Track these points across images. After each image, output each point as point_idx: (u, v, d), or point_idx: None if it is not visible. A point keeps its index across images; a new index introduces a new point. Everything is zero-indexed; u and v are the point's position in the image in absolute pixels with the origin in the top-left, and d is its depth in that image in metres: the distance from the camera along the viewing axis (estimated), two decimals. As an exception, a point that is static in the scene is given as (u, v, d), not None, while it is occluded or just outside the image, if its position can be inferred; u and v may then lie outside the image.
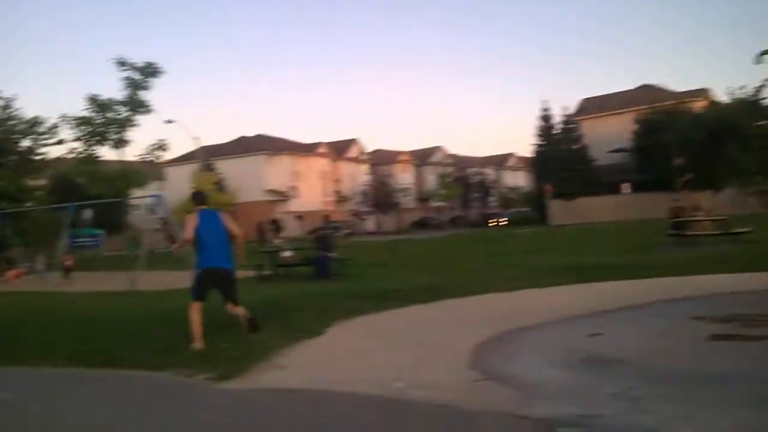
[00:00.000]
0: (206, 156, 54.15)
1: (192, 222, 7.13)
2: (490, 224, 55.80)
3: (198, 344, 6.78)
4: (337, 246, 17.21)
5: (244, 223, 50.15)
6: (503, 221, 56.67)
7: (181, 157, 59.36)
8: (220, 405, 5.11)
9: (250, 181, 57.89)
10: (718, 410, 4.37)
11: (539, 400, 4.81)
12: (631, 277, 11.42)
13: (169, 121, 44.93)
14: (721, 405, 4.50)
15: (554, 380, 5.47)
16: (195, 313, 6.90)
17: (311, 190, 65.54)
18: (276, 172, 62.77)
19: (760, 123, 31.27)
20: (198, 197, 7.63)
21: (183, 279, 16.56)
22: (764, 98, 31.78)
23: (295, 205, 62.82)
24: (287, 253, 17.32)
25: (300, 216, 59.38)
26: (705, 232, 18.21)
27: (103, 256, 26.61)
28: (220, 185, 50.43)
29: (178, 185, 50.75)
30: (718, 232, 17.76)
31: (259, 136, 66.53)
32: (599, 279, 11.33)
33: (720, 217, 18.63)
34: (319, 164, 68.18)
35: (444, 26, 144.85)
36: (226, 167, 57.62)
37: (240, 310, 7.24)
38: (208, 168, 52.90)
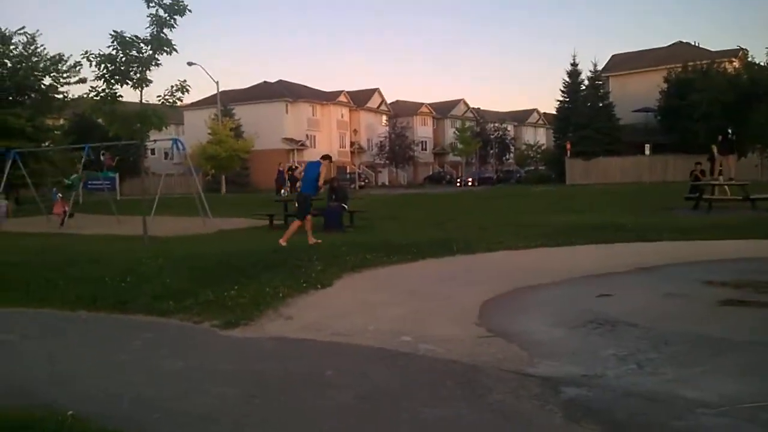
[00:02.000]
0: (226, 101, 53.99)
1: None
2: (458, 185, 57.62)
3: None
4: (350, 198, 17.20)
5: (260, 170, 50.38)
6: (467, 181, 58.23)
7: (201, 101, 59.20)
8: (223, 352, 5.18)
9: (268, 128, 57.69)
10: (721, 375, 4.36)
11: (545, 358, 4.83)
12: (644, 239, 11.33)
13: (191, 63, 44.75)
14: (725, 370, 4.47)
15: (561, 340, 5.47)
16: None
17: (328, 140, 65.28)
18: (294, 120, 62.53)
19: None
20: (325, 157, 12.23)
21: (196, 224, 16.79)
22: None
23: (311, 155, 62.74)
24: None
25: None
26: (724, 196, 17.97)
27: (116, 199, 26.80)
28: (237, 131, 50.31)
29: (196, 130, 50.79)
30: (737, 198, 17.50)
31: (280, 82, 66.00)
32: (612, 240, 11.26)
33: (740, 182, 18.33)
34: (338, 113, 67.75)
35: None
36: (244, 113, 57.39)
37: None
38: (227, 113, 52.73)
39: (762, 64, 34.02)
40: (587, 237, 11.63)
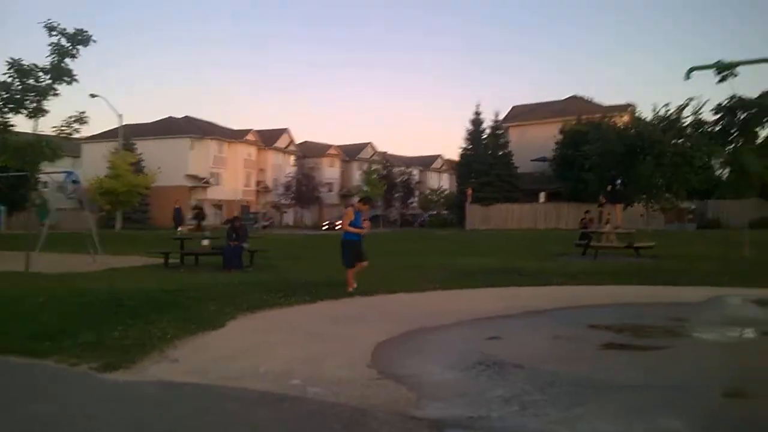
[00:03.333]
0: (129, 135, 52.30)
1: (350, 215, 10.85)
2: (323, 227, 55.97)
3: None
4: (251, 237, 16.93)
5: (161, 207, 48.78)
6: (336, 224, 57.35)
7: (102, 134, 57.05)
8: (99, 396, 4.88)
9: (171, 164, 56.25)
10: (603, 417, 4.51)
11: (433, 400, 4.85)
12: (535, 283, 11.75)
13: (94, 95, 43.09)
14: (606, 412, 4.64)
15: (449, 382, 5.53)
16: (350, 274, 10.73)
17: (234, 179, 64.40)
18: (200, 157, 61.36)
19: (676, 141, 32.74)
20: (366, 200, 11.56)
21: (85, 262, 15.97)
22: (685, 117, 33.24)
23: (215, 193, 61.55)
24: (206, 242, 16.90)
25: (219, 204, 58.31)
26: (611, 244, 18.96)
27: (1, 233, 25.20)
28: (138, 166, 48.68)
29: (95, 164, 48.77)
30: (623, 245, 18.52)
31: (186, 118, 64.77)
32: (505, 284, 11.61)
33: (626, 231, 19.43)
34: (246, 152, 67.04)
35: (383, 23, 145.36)
36: (148, 148, 55.80)
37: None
38: (129, 147, 51.01)
39: (648, 119, 36.51)
40: (482, 280, 11.94)
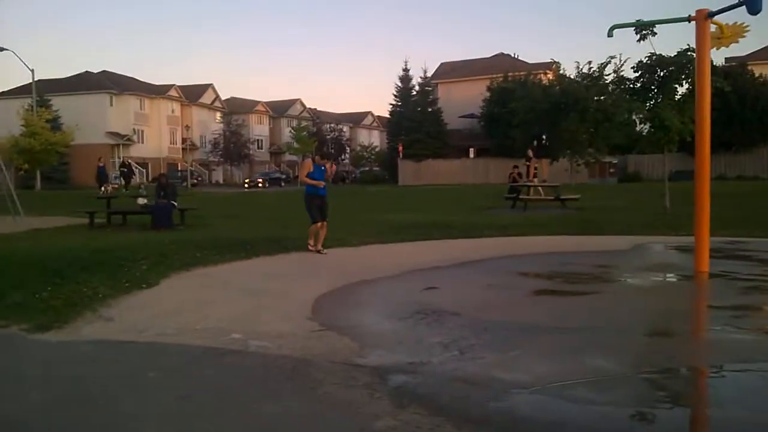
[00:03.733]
0: (42, 90, 49.60)
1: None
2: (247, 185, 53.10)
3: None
4: (180, 195, 16.52)
5: (81, 166, 46.89)
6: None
7: (13, 90, 53.84)
8: (32, 356, 4.73)
9: (90, 121, 53.71)
10: (536, 358, 4.71)
11: (374, 349, 4.94)
12: (467, 236, 11.99)
13: (2, 49, 40.45)
14: (540, 353, 4.85)
15: (390, 330, 5.64)
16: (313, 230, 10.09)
17: (158, 136, 62.27)
18: (120, 114, 58.93)
19: (598, 98, 33.66)
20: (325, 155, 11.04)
21: (6, 223, 15.25)
22: (607, 75, 34.14)
23: (138, 151, 59.47)
24: (142, 200, 16.30)
25: (144, 162, 56.48)
26: (538, 197, 19.52)
27: None
28: (54, 123, 46.35)
29: (8, 121, 46.18)
30: (549, 198, 19.10)
31: (104, 72, 61.81)
32: (439, 237, 11.80)
33: (552, 184, 20.02)
34: (169, 108, 64.76)
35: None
36: (64, 104, 52.99)
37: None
38: (43, 104, 48.40)
39: (571, 76, 37.34)
40: (416, 234, 12.08)
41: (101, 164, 32.03)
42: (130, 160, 42.47)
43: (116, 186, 34.82)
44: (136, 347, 5.01)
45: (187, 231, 13.28)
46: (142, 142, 60.81)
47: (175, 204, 14.71)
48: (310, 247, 10.09)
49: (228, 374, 4.38)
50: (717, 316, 6.27)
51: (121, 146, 57.96)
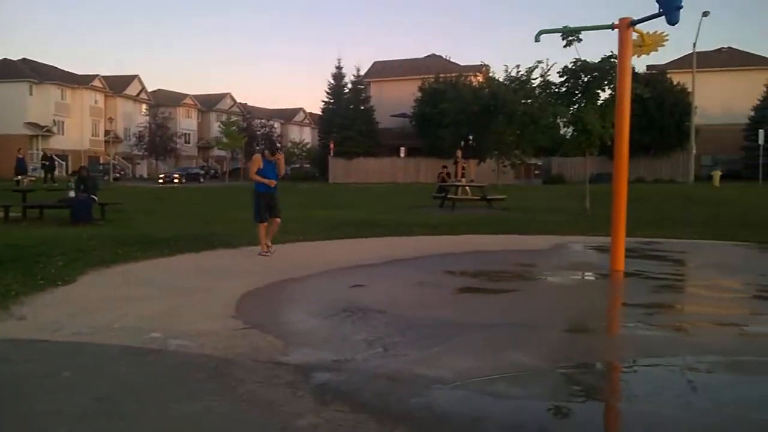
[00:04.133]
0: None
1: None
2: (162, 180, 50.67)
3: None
4: (102, 189, 15.95)
5: (-3, 158, 44.42)
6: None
7: None
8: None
9: (8, 110, 51.38)
10: (456, 354, 4.79)
11: (298, 347, 4.91)
12: (396, 234, 12.11)
13: None
14: (462, 350, 4.93)
15: (314, 328, 5.62)
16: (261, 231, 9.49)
17: (79, 127, 59.96)
18: (40, 104, 56.44)
19: (525, 101, 34.57)
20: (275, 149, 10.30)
21: None
22: (534, 79, 35.14)
23: (58, 142, 57.07)
24: (72, 194, 15.55)
25: (64, 155, 54.24)
26: (465, 196, 19.86)
27: None
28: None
29: None
30: (477, 198, 19.47)
31: (24, 60, 58.96)
32: (367, 235, 11.86)
33: (480, 185, 20.41)
34: (92, 99, 62.41)
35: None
36: (-23, 92, 50.43)
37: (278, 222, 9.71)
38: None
39: (501, 79, 38.20)
40: (345, 232, 12.11)
41: (20, 156, 30.64)
42: (51, 153, 40.66)
43: (33, 178, 33.29)
44: (51, 346, 4.81)
45: (107, 226, 12.85)
46: (63, 134, 58.48)
47: (96, 198, 14.22)
48: (263, 252, 9.39)
49: (147, 374, 4.26)
50: (630, 313, 6.54)
51: (40, 137, 55.55)
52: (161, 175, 53.46)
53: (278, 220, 9.71)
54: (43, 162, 34.91)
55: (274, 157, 9.73)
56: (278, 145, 11.10)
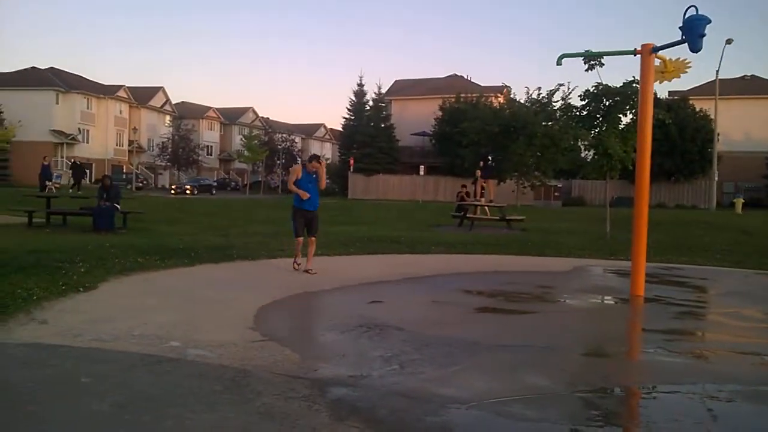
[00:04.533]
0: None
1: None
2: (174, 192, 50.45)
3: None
4: (124, 198, 16.15)
5: (24, 164, 45.66)
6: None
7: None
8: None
9: (34, 118, 52.32)
10: (475, 374, 4.77)
11: (315, 361, 4.92)
12: (414, 251, 12.10)
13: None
14: (479, 370, 4.90)
15: (332, 343, 5.63)
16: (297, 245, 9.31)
17: (104, 136, 60.85)
18: (66, 112, 57.42)
19: (546, 123, 34.55)
20: (314, 157, 9.81)
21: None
22: (555, 101, 35.12)
23: (83, 151, 57.89)
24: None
25: (88, 163, 54.95)
26: (484, 216, 19.81)
27: None
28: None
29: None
30: (495, 218, 19.41)
31: (51, 69, 60.09)
32: (386, 251, 11.86)
33: (499, 205, 20.35)
34: (117, 109, 63.37)
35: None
36: (7, 99, 51.44)
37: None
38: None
39: (521, 101, 38.24)
40: (364, 248, 12.13)
41: (46, 162, 31.16)
42: (80, 161, 41.19)
43: (58, 185, 33.80)
44: (71, 352, 4.86)
45: (129, 234, 13.00)
46: (87, 142, 59.35)
47: (118, 206, 14.40)
48: (294, 266, 9.35)
49: (165, 383, 4.29)
50: (650, 339, 6.47)
51: (65, 145, 56.42)
52: (173, 186, 53.75)
53: (314, 239, 9.33)
54: (73, 170, 35.41)
55: (312, 164, 9.31)
56: (317, 154, 11.02)
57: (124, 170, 58.37)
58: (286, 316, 6.65)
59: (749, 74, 56.17)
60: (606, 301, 8.90)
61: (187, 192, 49.89)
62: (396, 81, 60.82)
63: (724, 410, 4.27)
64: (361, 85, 54.39)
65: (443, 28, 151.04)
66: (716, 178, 40.35)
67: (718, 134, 41.11)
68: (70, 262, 8.12)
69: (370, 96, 54.35)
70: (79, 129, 58.57)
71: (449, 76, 59.63)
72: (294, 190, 9.13)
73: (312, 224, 9.27)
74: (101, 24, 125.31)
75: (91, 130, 60.05)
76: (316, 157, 9.72)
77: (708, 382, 4.86)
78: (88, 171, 52.84)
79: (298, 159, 74.50)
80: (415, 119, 52.76)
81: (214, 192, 53.37)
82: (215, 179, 65.93)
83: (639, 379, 5.13)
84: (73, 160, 40.21)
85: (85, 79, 62.74)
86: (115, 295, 6.93)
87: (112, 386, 4.15)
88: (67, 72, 61.30)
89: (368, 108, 53.93)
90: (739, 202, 36.66)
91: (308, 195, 9.08)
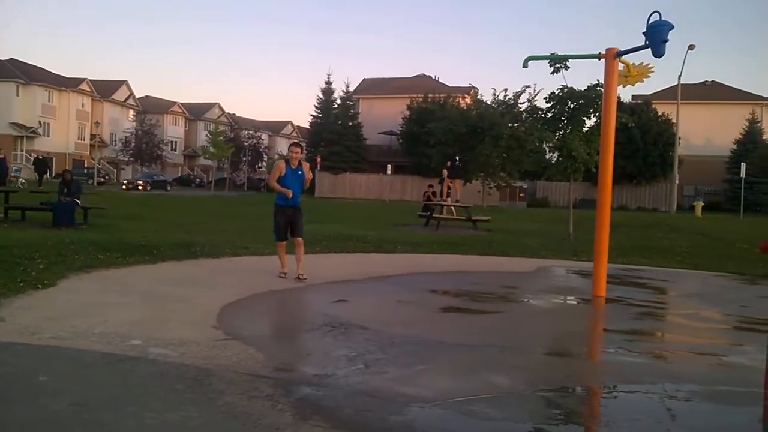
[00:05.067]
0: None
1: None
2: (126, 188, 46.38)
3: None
4: (85, 193, 15.83)
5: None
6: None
7: None
8: None
9: (-8, 110, 50.98)
10: (437, 374, 4.80)
11: (280, 360, 4.89)
12: (381, 250, 12.12)
13: None
14: (440, 369, 4.93)
15: (296, 342, 5.62)
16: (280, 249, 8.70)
17: (65, 130, 59.66)
18: (27, 105, 56.13)
19: (512, 125, 34.91)
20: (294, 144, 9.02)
21: None
22: (522, 103, 35.56)
23: (43, 144, 56.64)
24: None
25: (48, 157, 53.79)
26: (450, 216, 19.92)
27: None
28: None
29: None
30: (461, 218, 19.54)
31: (11, 60, 58.67)
32: (351, 250, 11.85)
33: (465, 205, 20.48)
34: (79, 102, 62.18)
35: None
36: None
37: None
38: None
39: (488, 102, 38.60)
40: (329, 246, 12.09)
41: (1, 156, 30.12)
42: (42, 155, 40.12)
43: (24, 181, 33.01)
44: (28, 350, 4.75)
45: (89, 230, 12.74)
46: (48, 136, 58.14)
47: (79, 202, 14.10)
48: (281, 275, 8.56)
49: (125, 382, 4.21)
50: (611, 339, 6.59)
51: (25, 138, 55.15)
52: (125, 181, 50.41)
53: (300, 240, 8.62)
54: (35, 165, 34.56)
55: (293, 151, 8.58)
56: (297, 141, 9.58)
57: (86, 165, 57.28)
58: (251, 314, 6.59)
59: (710, 80, 57.59)
60: (568, 302, 9.03)
61: (139, 188, 47.27)
62: (364, 79, 60.83)
63: (683, 409, 4.37)
64: (329, 82, 54.39)
65: (412, 27, 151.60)
66: (677, 182, 41.29)
67: (680, 138, 42.07)
68: (29, 258, 7.93)
69: (338, 94, 54.35)
70: (39, 122, 57.35)
71: (417, 75, 59.88)
72: (276, 188, 8.41)
73: (296, 223, 8.59)
74: (64, 14, 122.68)
75: (52, 124, 58.82)
76: (297, 144, 8.89)
77: (667, 381, 4.96)
78: (49, 166, 51.74)
79: (265, 156, 74.02)
80: (382, 118, 52.87)
81: (169, 188, 50.66)
82: (178, 175, 65.01)
83: (600, 378, 5.21)
84: (35, 156, 39.24)
85: (47, 71, 61.44)
86: (74, 293, 6.79)
87: (71, 385, 4.07)
88: (27, 63, 59.92)
89: (336, 106, 53.86)
90: (699, 205, 37.58)
91: (292, 193, 8.37)
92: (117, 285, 7.40)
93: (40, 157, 36.89)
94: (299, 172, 8.46)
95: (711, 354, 5.94)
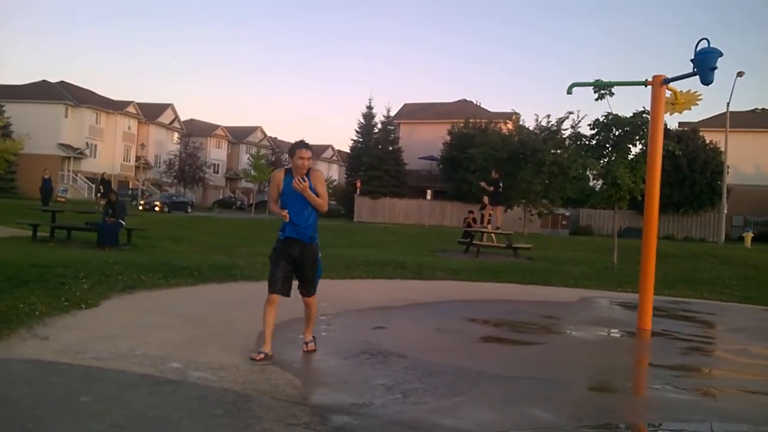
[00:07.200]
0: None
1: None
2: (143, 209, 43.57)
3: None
4: (129, 214, 16.17)
5: (30, 176, 45.89)
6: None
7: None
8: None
9: (43, 131, 52.81)
10: (477, 405, 4.69)
11: (317, 387, 4.88)
12: (419, 276, 12.03)
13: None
14: (482, 401, 4.83)
15: (335, 369, 5.56)
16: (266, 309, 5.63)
17: (112, 151, 61.31)
18: (74, 126, 57.92)
19: (554, 151, 34.61)
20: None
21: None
22: (565, 129, 35.27)
23: (90, 165, 58.25)
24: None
25: (93, 178, 55.31)
26: (491, 243, 19.72)
27: None
28: (5, 131, 45.13)
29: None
30: (502, 245, 19.32)
31: (62, 83, 60.76)
32: (390, 276, 11.79)
33: (506, 232, 20.27)
34: (125, 124, 63.89)
35: (277, 9, 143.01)
36: (17, 111, 51.90)
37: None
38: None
39: (530, 128, 38.33)
40: (368, 272, 12.06)
41: (46, 176, 30.73)
42: (108, 176, 39.89)
43: (62, 200, 33.76)
44: (71, 370, 4.81)
45: (133, 251, 12.99)
46: (95, 157, 59.76)
47: (123, 223, 14.40)
48: (255, 354, 5.44)
49: (165, 404, 4.23)
50: (657, 374, 6.37)
51: (72, 159, 56.78)
52: (142, 202, 47.82)
53: (309, 300, 5.91)
54: (101, 184, 34.37)
55: (301, 153, 5.64)
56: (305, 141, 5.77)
57: (131, 186, 58.63)
58: (289, 339, 6.57)
59: (760, 107, 56.28)
60: (612, 334, 8.80)
61: (156, 209, 44.59)
62: (405, 104, 61.17)
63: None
64: (370, 107, 54.74)
65: (454, 52, 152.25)
66: (725, 211, 40.19)
67: (728, 167, 41.04)
68: (73, 278, 8.09)
69: (378, 118, 54.67)
70: (87, 143, 59.01)
71: (458, 100, 59.96)
72: (277, 212, 5.76)
73: (304, 270, 5.76)
74: (113, 39, 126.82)
75: (99, 145, 60.47)
76: (304, 146, 5.74)
77: (716, 420, 4.77)
78: (94, 186, 52.98)
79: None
80: (423, 143, 52.97)
81: (189, 210, 47.50)
82: (219, 197, 65.85)
83: (646, 415, 5.04)
84: (101, 176, 38.73)
85: (95, 93, 63.35)
86: (117, 313, 6.88)
87: (112, 406, 4.09)
88: (77, 86, 61.92)
89: (377, 130, 54.14)
90: (749, 236, 36.48)
91: (288, 217, 5.63)
92: (159, 306, 7.49)
93: (106, 178, 37.20)
94: (306, 181, 5.59)
95: (761, 392, 5.70)
